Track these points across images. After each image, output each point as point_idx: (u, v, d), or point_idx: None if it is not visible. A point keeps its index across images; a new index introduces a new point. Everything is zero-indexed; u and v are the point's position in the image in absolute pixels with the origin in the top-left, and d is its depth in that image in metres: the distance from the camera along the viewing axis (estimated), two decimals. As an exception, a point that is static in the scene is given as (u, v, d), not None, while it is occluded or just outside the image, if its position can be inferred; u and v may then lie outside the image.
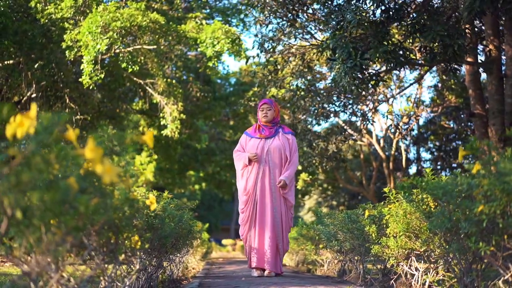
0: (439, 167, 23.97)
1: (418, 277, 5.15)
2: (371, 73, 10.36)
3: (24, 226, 1.81)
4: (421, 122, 22.91)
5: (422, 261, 5.24)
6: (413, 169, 25.06)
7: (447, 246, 4.12)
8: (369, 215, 5.79)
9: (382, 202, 6.30)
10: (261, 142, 7.37)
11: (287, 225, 7.33)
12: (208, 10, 22.33)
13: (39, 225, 1.95)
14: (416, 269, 5.25)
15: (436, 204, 4.31)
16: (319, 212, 8.75)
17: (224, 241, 41.83)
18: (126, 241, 3.35)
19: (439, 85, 20.22)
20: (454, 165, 23.02)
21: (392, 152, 21.75)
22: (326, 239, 8.03)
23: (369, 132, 21.62)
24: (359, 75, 9.76)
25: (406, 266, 5.34)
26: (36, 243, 2.01)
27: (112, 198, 2.42)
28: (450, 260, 4.26)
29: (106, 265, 3.20)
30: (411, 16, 9.93)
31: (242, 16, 22.42)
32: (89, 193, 2.22)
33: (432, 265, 5.07)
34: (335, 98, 13.00)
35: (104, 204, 2.37)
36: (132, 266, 4.22)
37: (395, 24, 10.80)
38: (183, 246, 6.64)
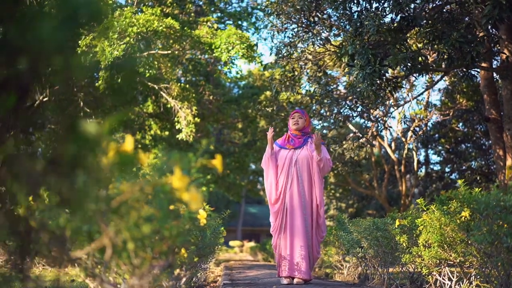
0: (448, 169, 24.01)
1: (452, 286, 5.24)
2: (389, 79, 10.44)
3: (125, 255, 1.91)
4: (430, 124, 22.95)
5: (455, 271, 5.33)
6: (422, 172, 25.08)
7: (485, 259, 4.21)
8: (400, 225, 5.87)
9: (410, 211, 6.40)
10: (290, 153, 7.49)
11: (317, 232, 7.42)
12: (219, 14, 22.44)
13: (133, 252, 2.05)
14: (449, 278, 5.34)
15: (473, 216, 4.39)
16: (342, 219, 8.84)
17: (231, 243, 41.97)
18: (177, 255, 3.45)
19: (450, 88, 20.29)
20: (464, 167, 23.06)
21: (404, 155, 21.82)
22: (349, 246, 8.13)
23: (381, 136, 21.69)
24: (377, 81, 9.84)
25: (438, 275, 5.43)
26: (129, 268, 2.11)
27: (190, 222, 2.52)
28: (488, 271, 4.35)
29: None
30: (429, 23, 9.99)
31: (253, 19, 22.51)
32: (171, 218, 2.32)
33: (464, 275, 5.16)
34: (349, 103, 13.07)
35: (183, 227, 2.47)
36: (179, 280, 4.31)
37: (413, 31, 10.87)
38: (212, 254, 6.75)
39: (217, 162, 2.71)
